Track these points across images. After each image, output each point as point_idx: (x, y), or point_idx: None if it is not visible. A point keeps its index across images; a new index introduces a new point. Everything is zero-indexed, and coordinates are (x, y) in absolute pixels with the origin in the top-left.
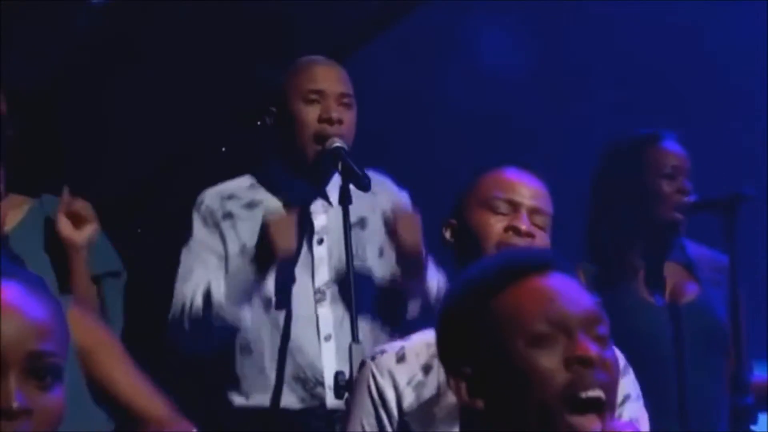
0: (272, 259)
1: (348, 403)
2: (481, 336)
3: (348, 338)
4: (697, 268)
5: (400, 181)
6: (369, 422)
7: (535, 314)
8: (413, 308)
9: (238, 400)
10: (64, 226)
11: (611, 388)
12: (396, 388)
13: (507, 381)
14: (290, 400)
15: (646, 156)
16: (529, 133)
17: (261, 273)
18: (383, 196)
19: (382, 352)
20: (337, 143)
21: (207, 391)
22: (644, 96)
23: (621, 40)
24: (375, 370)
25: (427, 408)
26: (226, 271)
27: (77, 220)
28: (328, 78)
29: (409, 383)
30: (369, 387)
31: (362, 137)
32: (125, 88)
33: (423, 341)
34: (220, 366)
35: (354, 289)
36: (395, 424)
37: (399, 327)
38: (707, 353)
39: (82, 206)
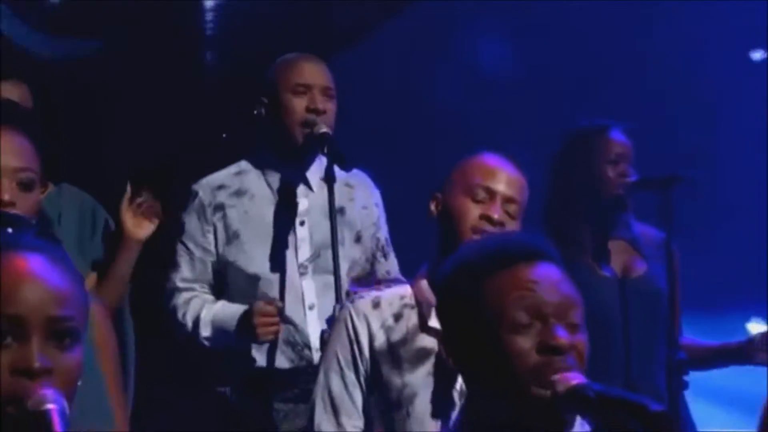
0: (252, 340)
1: (326, 339)
2: (469, 312)
3: (328, 306)
4: (641, 245)
5: (393, 174)
6: (344, 355)
7: (515, 303)
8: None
9: (238, 361)
10: (127, 218)
11: (579, 370)
12: (369, 328)
13: (486, 357)
14: (282, 361)
15: (594, 144)
16: (519, 130)
17: (240, 339)
18: (360, 190)
19: (360, 297)
20: (324, 129)
21: (210, 356)
22: (626, 93)
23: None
24: (353, 312)
25: (395, 349)
26: (216, 256)
27: (146, 212)
28: (314, 73)
29: (381, 327)
30: (346, 325)
31: (357, 133)
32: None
33: (397, 293)
34: None
35: (336, 259)
36: (366, 361)
37: None
38: (651, 321)
39: (147, 202)
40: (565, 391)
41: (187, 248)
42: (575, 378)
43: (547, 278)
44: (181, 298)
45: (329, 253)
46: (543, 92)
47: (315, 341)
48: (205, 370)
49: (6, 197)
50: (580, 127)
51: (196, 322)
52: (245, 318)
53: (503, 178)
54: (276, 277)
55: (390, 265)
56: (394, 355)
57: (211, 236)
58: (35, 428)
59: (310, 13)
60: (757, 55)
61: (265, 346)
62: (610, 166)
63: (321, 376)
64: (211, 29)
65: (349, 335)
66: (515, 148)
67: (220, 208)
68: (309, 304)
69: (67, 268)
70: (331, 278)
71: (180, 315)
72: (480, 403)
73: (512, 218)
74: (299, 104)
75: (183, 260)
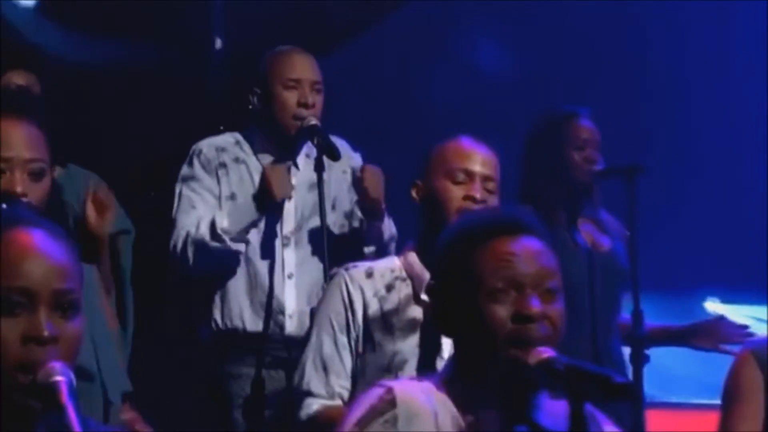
0: (271, 200)
1: (317, 306)
2: (456, 280)
3: (305, 277)
4: (607, 226)
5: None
6: (337, 319)
7: (494, 273)
8: (370, 245)
9: (215, 323)
10: (91, 215)
11: (553, 338)
12: (363, 296)
13: (468, 322)
14: (256, 324)
15: (563, 130)
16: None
17: (259, 212)
18: (336, 166)
19: (354, 266)
20: (313, 121)
21: (192, 317)
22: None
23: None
24: (347, 279)
25: (388, 318)
26: (219, 206)
27: (100, 208)
28: (305, 68)
29: (374, 295)
30: (341, 291)
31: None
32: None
33: (387, 266)
34: (201, 296)
35: (325, 234)
36: (359, 326)
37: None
38: (613, 295)
39: (104, 193)
40: (536, 363)
41: (199, 194)
42: (546, 352)
43: (527, 250)
44: (194, 228)
45: (311, 226)
46: (537, 91)
47: (290, 308)
48: (178, 331)
49: (19, 189)
50: (550, 113)
51: (212, 222)
52: (261, 184)
53: (479, 159)
54: (261, 244)
55: (385, 227)
56: (387, 323)
57: (216, 185)
58: (44, 399)
59: (308, 10)
60: None
61: (239, 308)
62: (577, 151)
63: (313, 338)
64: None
65: (343, 300)
66: (515, 145)
67: (223, 165)
68: (288, 273)
69: (65, 243)
70: (310, 252)
71: (193, 231)
72: (462, 363)
73: (492, 194)
74: (290, 98)
75: (197, 203)
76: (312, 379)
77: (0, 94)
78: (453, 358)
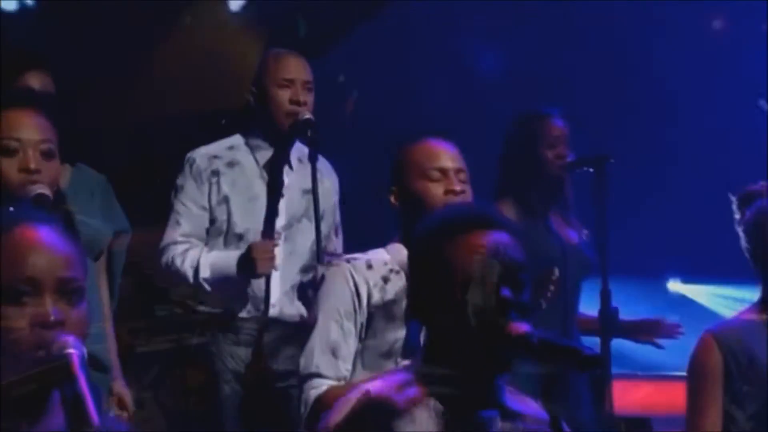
0: (251, 274)
1: (319, 295)
2: (434, 269)
3: (290, 270)
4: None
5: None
6: (345, 308)
7: (466, 264)
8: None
9: (204, 308)
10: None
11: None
12: (367, 286)
13: (446, 308)
14: (243, 311)
15: (535, 128)
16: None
17: (238, 276)
18: (326, 175)
19: (354, 258)
20: (307, 115)
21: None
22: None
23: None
24: (352, 270)
25: (389, 306)
26: (210, 221)
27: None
28: (297, 69)
29: (375, 286)
30: (347, 281)
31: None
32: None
33: (381, 259)
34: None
35: (318, 224)
36: (363, 314)
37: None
38: (579, 282)
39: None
40: (513, 337)
41: (186, 206)
42: (522, 327)
43: (497, 244)
44: (179, 249)
45: (300, 225)
46: (530, 90)
47: (274, 296)
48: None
49: (32, 166)
50: (525, 114)
51: (196, 266)
52: (245, 255)
53: (448, 155)
54: (255, 239)
55: (338, 243)
56: (389, 311)
57: (206, 197)
58: (59, 369)
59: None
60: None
61: (231, 297)
62: (549, 149)
63: (320, 324)
64: None
65: (350, 289)
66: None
67: (215, 173)
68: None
69: (67, 237)
70: (297, 247)
71: (179, 262)
72: (435, 349)
73: (466, 183)
74: (284, 96)
75: (182, 217)
76: (321, 362)
77: (16, 91)
78: (426, 346)
